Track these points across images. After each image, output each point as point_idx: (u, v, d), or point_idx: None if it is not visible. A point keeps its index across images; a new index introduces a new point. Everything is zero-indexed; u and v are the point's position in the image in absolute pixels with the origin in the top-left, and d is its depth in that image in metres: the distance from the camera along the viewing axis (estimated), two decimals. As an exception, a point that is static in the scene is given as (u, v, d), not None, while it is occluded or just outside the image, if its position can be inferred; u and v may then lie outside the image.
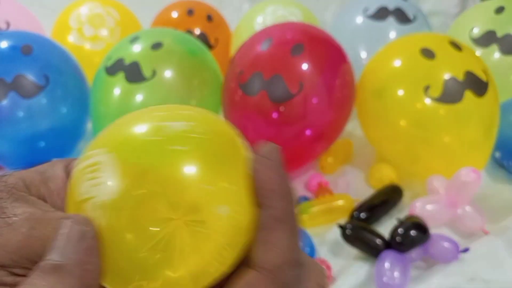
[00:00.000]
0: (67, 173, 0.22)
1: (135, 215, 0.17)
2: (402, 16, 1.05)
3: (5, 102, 0.80)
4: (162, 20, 1.17)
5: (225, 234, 0.17)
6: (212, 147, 0.19)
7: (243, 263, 0.18)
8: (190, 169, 0.18)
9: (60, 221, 0.19)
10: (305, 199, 0.79)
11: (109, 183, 0.18)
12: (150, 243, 0.17)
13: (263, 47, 0.79)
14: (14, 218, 0.19)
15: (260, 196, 0.18)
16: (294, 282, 0.18)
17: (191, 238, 0.17)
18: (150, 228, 0.17)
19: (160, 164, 0.18)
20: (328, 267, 0.63)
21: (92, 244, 0.18)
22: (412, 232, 0.64)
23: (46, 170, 0.22)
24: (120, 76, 0.82)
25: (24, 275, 0.19)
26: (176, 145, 0.18)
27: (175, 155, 0.18)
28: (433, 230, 0.66)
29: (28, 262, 0.19)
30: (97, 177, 0.19)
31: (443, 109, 0.74)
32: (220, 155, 0.19)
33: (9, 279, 0.19)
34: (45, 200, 0.21)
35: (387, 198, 0.76)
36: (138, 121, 0.20)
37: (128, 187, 0.18)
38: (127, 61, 0.82)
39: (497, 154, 0.84)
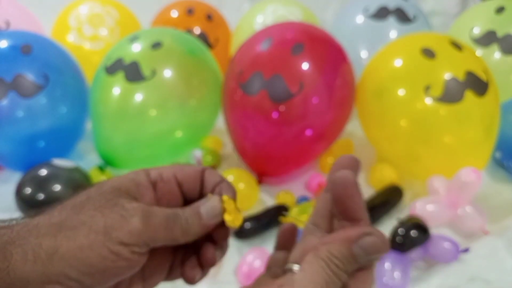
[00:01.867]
0: (150, 181, 0.29)
1: None
2: (402, 16, 1.04)
3: (4, 101, 0.80)
4: (162, 19, 1.17)
5: None
6: None
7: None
8: None
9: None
10: (305, 199, 0.79)
11: None
12: None
13: (263, 47, 0.79)
14: (130, 212, 0.26)
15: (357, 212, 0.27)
16: None
17: None
18: None
19: None
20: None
21: None
22: (413, 233, 0.64)
23: (134, 177, 0.29)
24: (120, 75, 0.81)
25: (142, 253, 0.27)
26: None
27: None
28: (433, 231, 0.66)
29: (144, 245, 0.27)
30: None
31: (443, 109, 0.74)
32: None
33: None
34: (137, 201, 0.28)
35: (387, 198, 0.76)
36: None
37: None
38: (127, 61, 0.82)
39: (498, 154, 0.84)
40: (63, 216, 0.27)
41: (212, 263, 0.30)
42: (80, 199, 0.27)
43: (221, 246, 0.30)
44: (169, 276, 0.31)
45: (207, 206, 0.29)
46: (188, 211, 0.29)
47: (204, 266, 0.30)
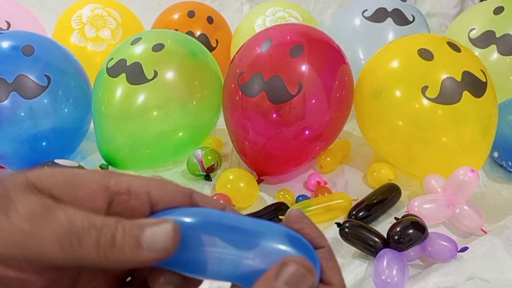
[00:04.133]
0: (105, 187, 0.21)
1: None
2: (400, 17, 1.05)
3: (6, 102, 0.80)
4: (164, 21, 1.18)
5: None
6: None
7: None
8: None
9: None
10: (304, 198, 0.79)
11: None
12: None
13: (263, 49, 0.80)
14: (15, 206, 0.19)
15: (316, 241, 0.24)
16: None
17: None
18: None
19: None
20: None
21: None
22: (410, 231, 0.64)
23: (74, 177, 0.21)
24: (122, 77, 0.82)
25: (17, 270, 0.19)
26: None
27: None
28: (431, 229, 0.66)
29: (25, 260, 0.19)
30: None
31: (441, 109, 0.74)
32: None
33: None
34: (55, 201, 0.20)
35: (385, 197, 0.76)
36: None
37: None
38: (129, 62, 0.83)
39: (495, 154, 0.84)
40: None
41: None
42: None
43: None
44: None
45: (154, 230, 0.20)
46: (125, 225, 0.20)
47: None
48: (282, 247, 0.22)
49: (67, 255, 0.19)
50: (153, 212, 0.22)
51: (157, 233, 0.20)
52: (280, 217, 0.74)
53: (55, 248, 0.19)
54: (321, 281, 0.23)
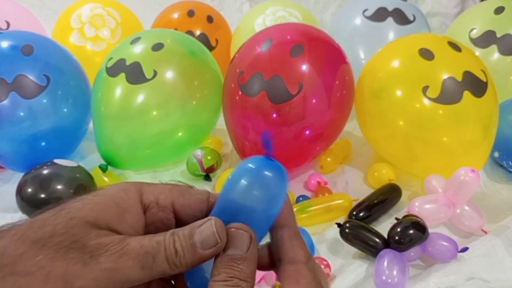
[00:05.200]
0: (141, 205, 0.25)
1: None
2: (401, 17, 1.05)
3: (6, 102, 0.80)
4: (163, 21, 1.18)
5: None
6: None
7: (283, 262, 0.26)
8: None
9: None
10: (304, 198, 0.79)
11: None
12: None
13: (263, 48, 0.79)
14: (95, 252, 0.23)
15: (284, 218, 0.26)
16: (318, 268, 0.26)
17: None
18: None
19: None
20: (327, 266, 0.63)
21: None
22: (411, 231, 0.64)
23: (120, 202, 0.25)
24: (121, 76, 0.82)
25: None
26: None
27: None
28: (431, 230, 0.66)
29: None
30: None
31: (441, 109, 0.74)
32: None
33: None
34: (115, 232, 0.24)
35: (385, 197, 0.76)
36: None
37: None
38: (128, 62, 0.83)
39: (496, 154, 0.84)
40: (19, 252, 0.22)
41: None
42: (43, 233, 0.23)
43: None
44: None
45: (202, 234, 0.24)
46: (179, 234, 0.24)
47: None
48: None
49: (146, 274, 0.23)
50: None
51: (205, 232, 0.24)
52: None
53: (137, 271, 0.23)
54: (288, 261, 0.26)
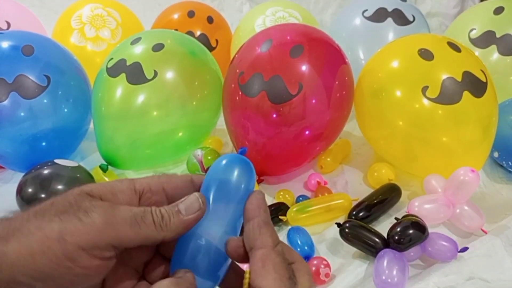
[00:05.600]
0: (134, 189, 0.29)
1: None
2: (401, 17, 1.05)
3: (6, 102, 0.81)
4: (163, 21, 1.18)
5: None
6: None
7: (253, 249, 0.28)
8: None
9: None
10: (304, 198, 0.79)
11: None
12: None
13: (263, 48, 0.80)
14: (88, 210, 0.26)
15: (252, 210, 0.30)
16: (289, 252, 0.29)
17: None
18: None
19: None
20: (327, 265, 0.64)
21: None
22: (410, 231, 0.64)
23: (114, 185, 0.28)
24: (122, 77, 0.82)
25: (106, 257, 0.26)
26: None
27: None
28: (431, 229, 0.66)
29: (107, 247, 0.26)
30: None
31: (441, 109, 0.74)
32: None
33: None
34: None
35: (385, 197, 0.76)
36: None
37: None
38: (129, 62, 0.83)
39: (496, 154, 0.84)
40: (25, 219, 0.26)
41: None
42: (45, 205, 0.27)
43: None
44: None
45: (186, 202, 0.29)
46: (165, 207, 0.28)
47: None
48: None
49: (135, 233, 0.26)
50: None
51: (189, 201, 0.29)
52: (280, 217, 0.73)
53: (126, 230, 0.26)
54: (256, 248, 0.28)
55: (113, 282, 0.28)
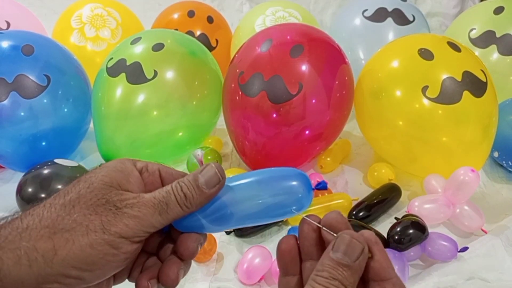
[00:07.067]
0: (137, 169, 0.31)
1: None
2: (401, 17, 1.05)
3: (6, 102, 0.81)
4: (163, 21, 1.18)
5: None
6: None
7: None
8: None
9: None
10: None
11: None
12: None
13: (263, 48, 0.79)
14: (121, 205, 0.28)
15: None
16: None
17: None
18: None
19: None
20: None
21: None
22: (410, 231, 0.64)
23: (123, 168, 0.30)
24: (122, 76, 0.82)
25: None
26: None
27: None
28: (431, 229, 0.66)
29: (144, 232, 0.28)
30: None
31: (441, 109, 0.74)
32: None
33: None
34: (127, 191, 0.29)
35: (385, 197, 0.76)
36: None
37: None
38: (129, 62, 0.83)
39: (496, 154, 0.84)
40: (53, 217, 0.27)
41: (173, 282, 0.30)
42: (70, 197, 0.28)
43: (186, 264, 0.31)
44: (129, 277, 0.32)
45: (205, 175, 0.29)
46: (185, 182, 0.29)
47: (164, 284, 0.30)
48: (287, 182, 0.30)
49: (164, 218, 0.28)
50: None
51: (207, 174, 0.29)
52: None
53: (157, 217, 0.28)
54: (376, 278, 0.27)
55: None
